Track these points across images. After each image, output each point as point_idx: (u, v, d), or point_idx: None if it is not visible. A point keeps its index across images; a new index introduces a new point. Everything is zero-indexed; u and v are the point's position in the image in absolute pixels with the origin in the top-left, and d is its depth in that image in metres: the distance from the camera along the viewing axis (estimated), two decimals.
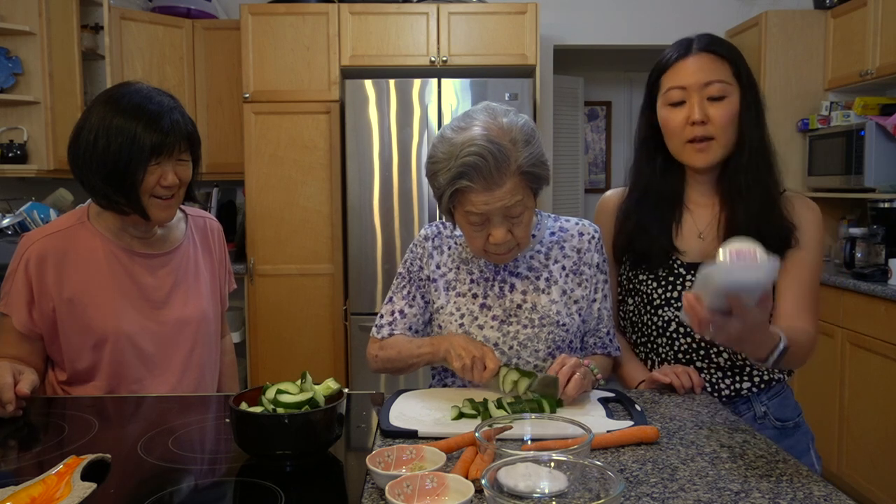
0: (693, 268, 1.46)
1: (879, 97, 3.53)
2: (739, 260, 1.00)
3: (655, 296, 1.49)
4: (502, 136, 1.26)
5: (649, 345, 1.53)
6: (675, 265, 1.48)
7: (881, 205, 3.28)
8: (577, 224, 1.49)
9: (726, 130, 1.40)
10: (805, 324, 1.38)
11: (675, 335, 1.48)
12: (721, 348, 1.45)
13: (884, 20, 3.36)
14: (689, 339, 1.46)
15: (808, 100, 3.87)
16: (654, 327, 1.50)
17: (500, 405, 1.22)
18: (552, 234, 1.47)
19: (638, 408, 1.23)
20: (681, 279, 1.47)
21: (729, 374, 1.46)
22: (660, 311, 1.49)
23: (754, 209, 1.40)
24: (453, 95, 3.57)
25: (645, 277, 1.50)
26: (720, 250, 1.02)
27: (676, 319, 1.47)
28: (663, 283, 1.48)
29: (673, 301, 1.47)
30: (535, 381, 1.25)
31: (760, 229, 1.35)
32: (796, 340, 1.29)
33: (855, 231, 3.39)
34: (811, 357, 1.42)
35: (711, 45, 1.42)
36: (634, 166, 1.56)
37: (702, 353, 1.46)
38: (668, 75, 1.44)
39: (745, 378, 1.45)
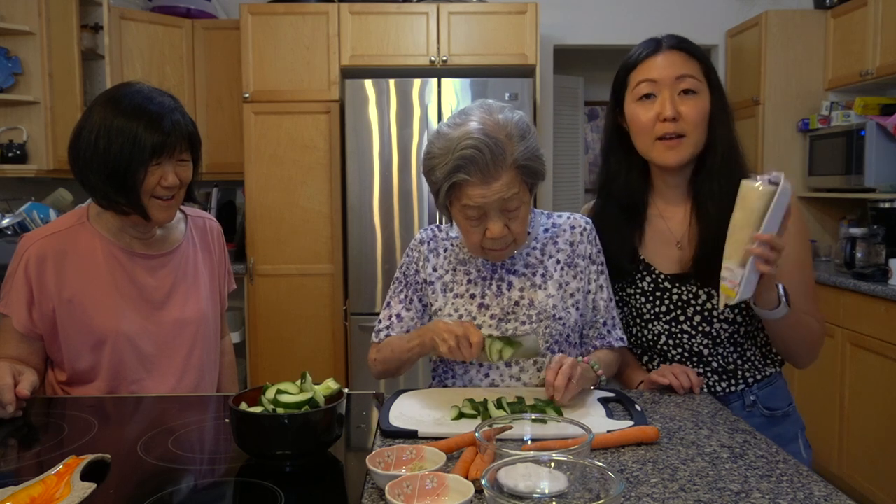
0: (678, 280, 1.44)
1: (879, 97, 3.53)
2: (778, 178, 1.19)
3: (644, 311, 1.48)
4: (498, 131, 1.27)
5: (644, 356, 1.54)
6: (660, 279, 1.47)
7: (881, 205, 3.28)
8: (568, 218, 1.49)
9: (698, 127, 1.38)
10: (805, 308, 1.38)
11: (666, 347, 1.47)
12: (710, 358, 1.45)
13: (884, 20, 3.36)
14: (680, 350, 1.46)
15: (809, 100, 3.87)
16: (644, 340, 1.51)
17: (499, 405, 1.22)
18: (546, 230, 1.48)
19: (638, 408, 1.23)
20: (667, 293, 1.46)
21: (724, 377, 1.46)
22: (650, 325, 1.49)
23: (726, 213, 1.33)
24: (453, 95, 3.57)
25: (633, 291, 1.50)
26: (759, 183, 1.18)
27: (666, 333, 1.46)
28: (651, 297, 1.47)
29: (661, 315, 1.46)
30: (519, 349, 1.27)
31: None
32: (800, 318, 1.33)
33: (855, 231, 3.39)
34: (819, 345, 1.42)
35: (682, 44, 1.41)
36: (601, 172, 1.56)
37: (695, 360, 1.46)
38: (638, 71, 1.42)
39: (741, 381, 1.45)
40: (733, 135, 1.43)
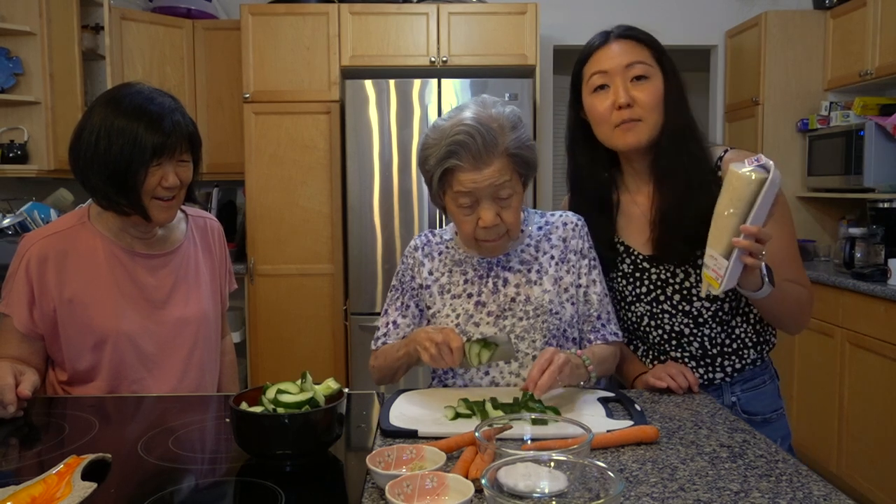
0: (655, 260, 1.47)
1: (879, 97, 3.54)
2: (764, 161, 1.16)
3: (627, 293, 1.51)
4: (490, 121, 1.31)
5: (629, 345, 1.56)
6: (639, 260, 1.49)
7: (880, 205, 3.28)
8: (560, 216, 1.51)
9: (654, 111, 1.40)
10: (791, 275, 1.38)
11: (648, 328, 1.50)
12: (692, 338, 1.46)
13: (883, 20, 3.36)
14: (661, 332, 1.49)
15: (808, 100, 3.87)
16: (629, 323, 1.53)
17: (496, 405, 1.22)
18: (539, 228, 1.50)
19: (638, 407, 1.24)
20: (646, 273, 1.48)
21: (702, 363, 1.47)
22: (632, 307, 1.51)
23: (681, 191, 1.39)
24: (453, 95, 3.57)
25: (615, 275, 1.53)
26: (747, 169, 1.15)
27: (648, 314, 1.49)
28: (631, 279, 1.50)
29: (643, 296, 1.49)
30: (495, 351, 1.29)
31: (692, 208, 1.35)
32: (782, 287, 1.32)
33: (854, 231, 3.39)
34: (809, 310, 1.43)
35: (629, 31, 1.45)
36: (569, 167, 1.58)
37: (674, 342, 1.48)
38: (590, 63, 1.45)
39: (718, 368, 1.47)
40: (689, 116, 1.44)
